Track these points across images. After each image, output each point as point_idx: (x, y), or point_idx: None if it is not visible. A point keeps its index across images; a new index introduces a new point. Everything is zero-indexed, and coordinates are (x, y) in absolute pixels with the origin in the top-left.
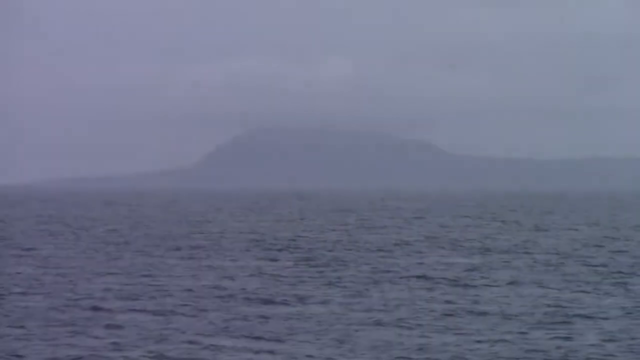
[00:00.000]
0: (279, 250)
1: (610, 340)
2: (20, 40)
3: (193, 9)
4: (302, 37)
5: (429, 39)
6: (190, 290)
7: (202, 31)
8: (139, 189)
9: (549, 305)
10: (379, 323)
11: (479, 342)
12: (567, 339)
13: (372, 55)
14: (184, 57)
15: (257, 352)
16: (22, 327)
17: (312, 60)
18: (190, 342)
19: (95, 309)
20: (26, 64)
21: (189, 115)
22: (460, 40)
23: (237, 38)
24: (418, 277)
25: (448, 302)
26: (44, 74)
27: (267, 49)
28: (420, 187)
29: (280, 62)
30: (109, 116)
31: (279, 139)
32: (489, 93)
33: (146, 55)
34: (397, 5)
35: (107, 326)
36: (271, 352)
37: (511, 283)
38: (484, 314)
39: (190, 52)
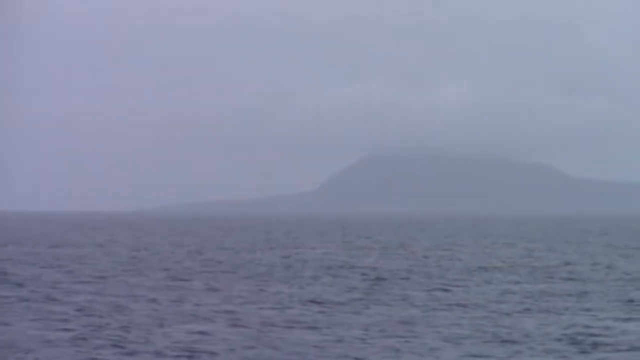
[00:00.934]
0: None
1: None
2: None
3: (314, 33)
4: (421, 59)
5: (550, 62)
6: None
7: (322, 54)
8: (268, 213)
9: None
10: None
11: None
12: None
13: (490, 78)
14: (304, 81)
15: None
16: None
17: (431, 83)
18: None
19: None
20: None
21: (309, 139)
22: (583, 64)
23: (357, 63)
24: None
25: None
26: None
27: (386, 72)
28: (544, 211)
29: (400, 86)
30: (228, 141)
31: (398, 164)
32: (612, 118)
33: (268, 77)
34: (515, 27)
35: None
36: None
37: None
38: None
39: (310, 75)
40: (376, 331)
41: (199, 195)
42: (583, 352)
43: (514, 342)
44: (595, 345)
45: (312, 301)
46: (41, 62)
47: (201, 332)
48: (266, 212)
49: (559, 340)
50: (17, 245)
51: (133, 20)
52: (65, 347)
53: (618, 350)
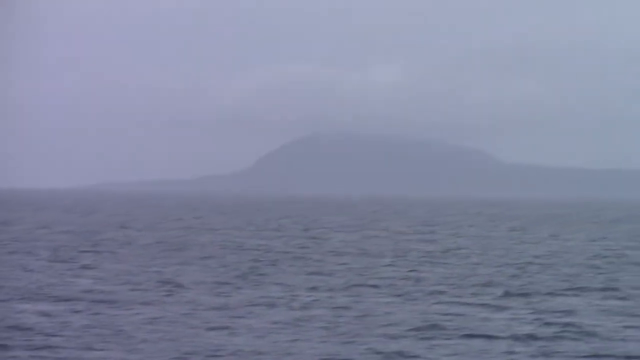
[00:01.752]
0: None
1: None
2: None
3: (252, 15)
4: (354, 41)
5: (482, 45)
6: None
7: (257, 37)
8: (196, 192)
9: None
10: None
11: None
12: None
13: (421, 61)
14: (241, 62)
15: None
16: None
17: (364, 65)
18: None
19: None
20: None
21: (241, 120)
22: (514, 47)
23: (289, 45)
24: None
25: None
26: (93, 74)
27: (320, 54)
28: (474, 195)
29: (334, 68)
30: (162, 120)
31: (332, 146)
32: (544, 101)
33: (204, 59)
34: (447, 8)
35: None
36: None
37: None
38: None
39: (246, 57)
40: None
41: (133, 174)
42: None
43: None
44: (436, 329)
45: (167, 282)
46: None
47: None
48: (198, 191)
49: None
50: None
51: None
52: None
53: (449, 338)
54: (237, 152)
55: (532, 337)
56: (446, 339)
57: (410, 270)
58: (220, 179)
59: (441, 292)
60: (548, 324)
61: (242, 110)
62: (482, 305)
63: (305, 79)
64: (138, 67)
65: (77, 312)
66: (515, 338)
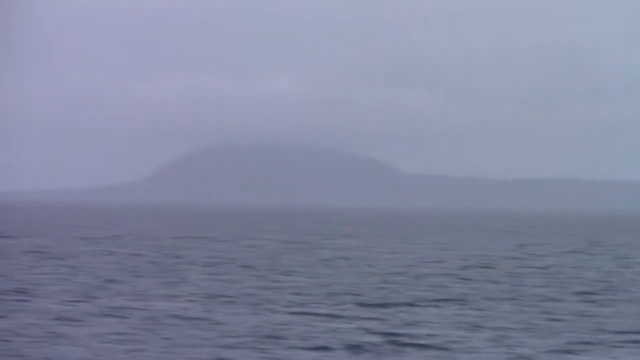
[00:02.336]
0: None
1: None
2: None
3: (145, 25)
4: (250, 53)
5: (377, 57)
6: None
7: (152, 46)
8: (90, 203)
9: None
10: None
11: None
12: None
13: (318, 71)
14: (135, 73)
15: None
16: None
17: (259, 76)
18: None
19: None
20: None
21: (139, 130)
22: (410, 59)
23: (187, 55)
24: None
25: None
26: None
27: (215, 66)
28: (368, 205)
29: (229, 79)
30: (58, 128)
31: (227, 156)
32: (439, 112)
33: (97, 69)
34: (341, 19)
35: None
36: None
37: None
38: None
39: (140, 67)
40: None
41: (30, 184)
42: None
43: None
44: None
45: (21, 291)
46: None
47: None
48: (95, 201)
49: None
50: None
51: None
52: None
53: (287, 347)
54: (139, 161)
55: (367, 347)
56: (283, 348)
57: (275, 281)
58: (121, 188)
59: (299, 303)
60: (390, 334)
61: (144, 119)
62: (334, 315)
63: (201, 89)
64: (37, 73)
65: None
66: (351, 349)
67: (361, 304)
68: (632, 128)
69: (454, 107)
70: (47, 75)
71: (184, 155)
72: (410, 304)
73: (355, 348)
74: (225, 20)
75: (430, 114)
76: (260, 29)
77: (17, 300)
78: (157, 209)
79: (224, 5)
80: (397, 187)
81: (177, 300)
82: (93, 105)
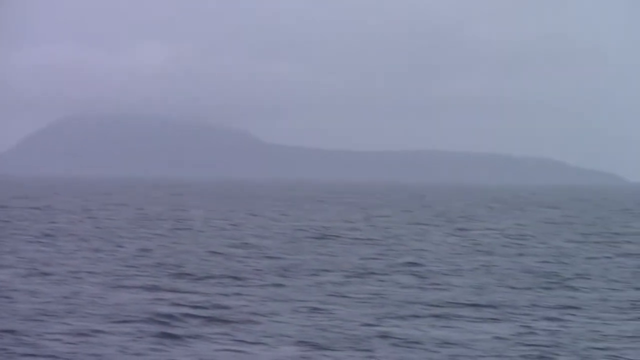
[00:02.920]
0: None
1: None
2: None
3: None
4: (117, 23)
5: (241, 29)
6: None
7: (10, 17)
8: None
9: None
10: None
11: None
12: None
13: (185, 43)
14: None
15: None
16: None
17: (127, 46)
18: None
19: None
20: None
21: (3, 100)
22: (281, 32)
23: (53, 24)
24: None
25: None
26: None
27: (81, 35)
28: (239, 176)
29: (95, 49)
30: None
31: (95, 126)
32: (309, 86)
33: None
34: None
35: None
36: None
37: None
38: None
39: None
40: None
41: None
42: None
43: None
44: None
45: None
46: None
47: None
48: None
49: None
50: None
51: None
52: None
53: (80, 317)
54: (2, 134)
55: (164, 319)
56: (76, 318)
57: (108, 252)
58: None
59: (119, 275)
60: (178, 305)
61: (4, 90)
62: (145, 287)
63: (67, 59)
64: None
65: None
66: (147, 321)
67: (179, 276)
68: (498, 102)
69: (326, 80)
70: None
71: (47, 126)
72: (233, 277)
73: (150, 321)
74: None
75: (300, 87)
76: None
77: None
78: (21, 181)
79: None
80: (265, 159)
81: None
82: None
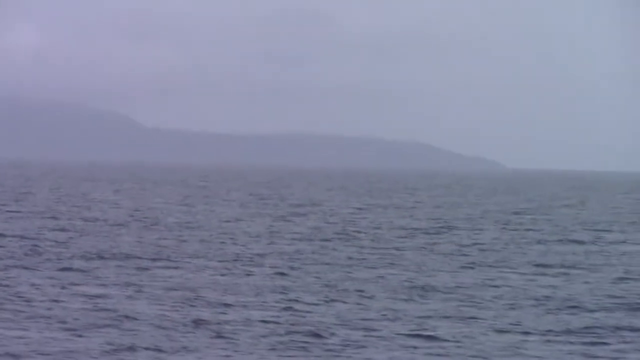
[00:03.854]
0: None
1: None
2: None
3: None
4: None
5: (114, 10)
6: None
7: None
8: None
9: None
10: None
11: None
12: None
13: (58, 24)
14: None
15: None
16: None
17: (1, 28)
18: None
19: None
20: None
21: None
22: (149, 12)
23: None
24: None
25: None
26: None
27: None
28: (118, 160)
29: None
30: None
31: None
32: (182, 67)
33: None
34: None
35: None
36: None
37: None
38: None
39: None
40: None
41: None
42: None
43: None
44: None
45: None
46: None
47: None
48: None
49: None
50: None
51: None
52: None
53: None
54: None
55: None
56: None
57: None
58: None
59: None
60: None
61: None
62: None
63: None
64: None
65: None
66: None
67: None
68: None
69: (204, 62)
70: None
71: None
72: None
73: None
74: None
75: (175, 70)
76: None
77: None
78: None
79: None
80: (142, 141)
81: None
82: None
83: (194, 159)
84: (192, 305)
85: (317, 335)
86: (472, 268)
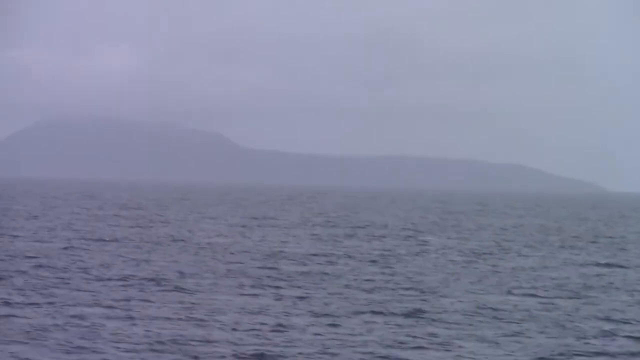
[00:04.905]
0: None
1: None
2: None
3: None
4: (86, 27)
5: (203, 35)
6: None
7: None
8: None
9: None
10: None
11: None
12: None
13: (153, 47)
14: None
15: None
16: None
17: (94, 51)
18: None
19: None
20: None
21: None
22: (245, 35)
23: (23, 28)
24: None
25: None
26: None
27: (51, 39)
28: (215, 181)
29: (67, 53)
30: None
31: (73, 131)
32: (278, 91)
33: None
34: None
35: None
36: None
37: None
38: None
39: None
40: None
41: None
42: None
43: None
44: None
45: None
46: None
47: None
48: None
49: None
50: None
51: None
52: None
53: None
54: None
55: None
56: None
57: None
58: None
59: None
60: None
61: None
62: None
63: (38, 63)
64: None
65: None
66: None
67: None
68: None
69: (290, 86)
70: None
71: (23, 129)
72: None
73: None
74: None
75: (263, 91)
76: (94, 3)
77: None
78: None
79: None
80: (238, 162)
81: None
82: None
83: (285, 180)
84: None
85: None
86: None
